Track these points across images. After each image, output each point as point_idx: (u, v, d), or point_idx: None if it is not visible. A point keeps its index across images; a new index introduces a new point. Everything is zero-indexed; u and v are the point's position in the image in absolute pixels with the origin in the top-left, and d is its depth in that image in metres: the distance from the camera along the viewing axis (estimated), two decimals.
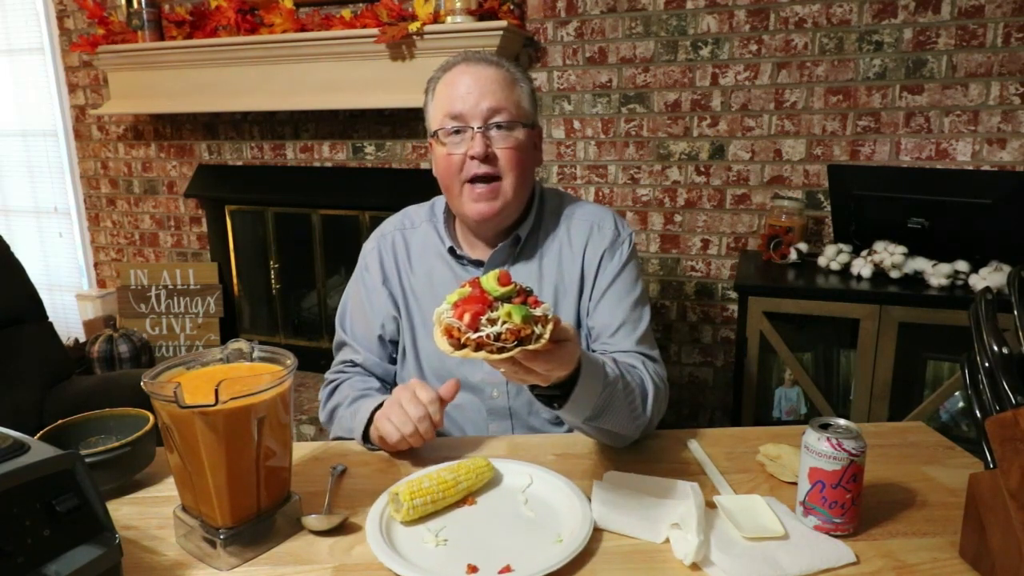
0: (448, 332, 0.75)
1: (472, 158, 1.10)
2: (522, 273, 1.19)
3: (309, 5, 2.72)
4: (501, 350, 0.72)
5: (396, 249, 1.24)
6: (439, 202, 1.26)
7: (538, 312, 0.74)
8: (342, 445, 1.10)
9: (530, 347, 0.72)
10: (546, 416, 1.19)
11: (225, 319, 3.22)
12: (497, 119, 1.10)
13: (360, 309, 1.25)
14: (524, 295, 0.76)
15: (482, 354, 0.72)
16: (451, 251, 1.20)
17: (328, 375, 1.26)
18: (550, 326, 0.75)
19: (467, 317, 0.73)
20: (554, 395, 0.88)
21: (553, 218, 1.23)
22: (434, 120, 1.15)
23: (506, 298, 0.75)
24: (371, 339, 1.23)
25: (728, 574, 0.75)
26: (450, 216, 1.23)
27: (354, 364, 1.25)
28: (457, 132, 1.11)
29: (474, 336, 0.72)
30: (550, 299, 1.19)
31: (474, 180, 1.11)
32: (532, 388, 0.89)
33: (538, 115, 1.21)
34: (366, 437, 1.06)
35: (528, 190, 1.19)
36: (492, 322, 0.73)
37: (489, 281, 0.76)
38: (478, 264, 1.19)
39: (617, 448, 1.05)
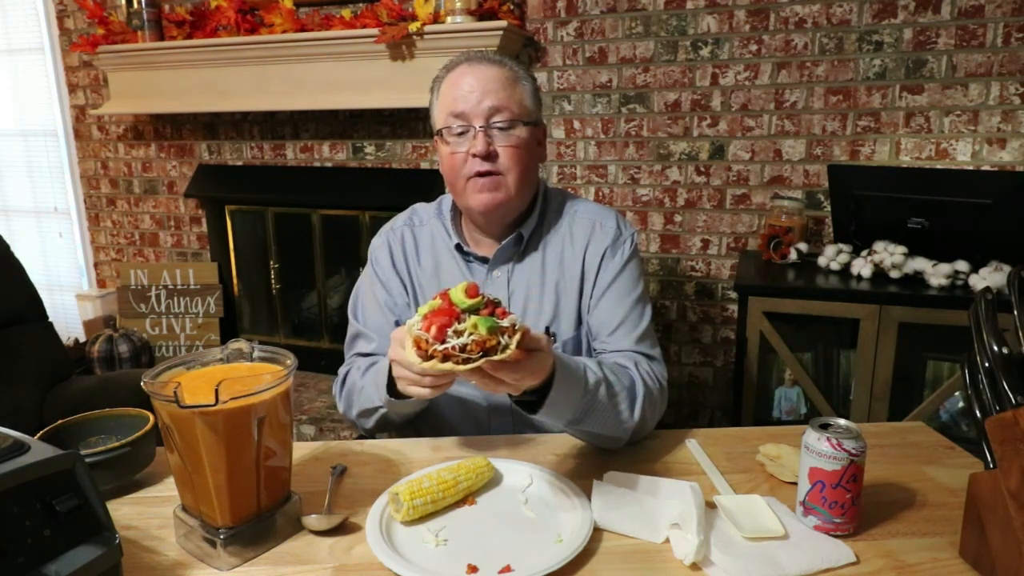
0: (417, 344, 0.77)
1: (474, 156, 1.11)
2: (525, 270, 1.20)
3: (309, 5, 2.72)
4: (467, 361, 0.74)
5: (405, 242, 1.26)
6: (446, 200, 1.27)
7: (505, 323, 0.76)
8: (342, 445, 1.10)
9: (495, 357, 0.74)
10: None
11: (225, 319, 3.22)
12: (498, 118, 1.12)
13: (373, 298, 1.24)
14: (492, 307, 0.78)
15: (448, 365, 0.74)
16: (458, 247, 1.21)
17: (341, 369, 1.25)
18: (516, 336, 0.76)
19: (434, 329, 0.75)
20: (531, 401, 0.89)
21: (556, 216, 1.24)
22: (438, 119, 1.17)
23: (473, 310, 0.77)
24: (387, 325, 1.22)
25: (728, 574, 0.75)
26: (457, 213, 1.25)
27: (367, 355, 1.23)
28: (461, 133, 1.12)
29: (440, 348, 0.74)
30: (551, 296, 1.20)
31: (477, 176, 1.13)
32: (510, 395, 0.89)
33: (541, 112, 1.22)
34: (393, 392, 1.01)
35: (532, 186, 1.20)
36: (459, 334, 0.74)
37: (457, 293, 0.78)
38: (484, 260, 1.21)
39: (616, 448, 1.05)
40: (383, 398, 1.03)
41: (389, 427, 1.17)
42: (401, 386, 0.91)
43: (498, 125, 1.11)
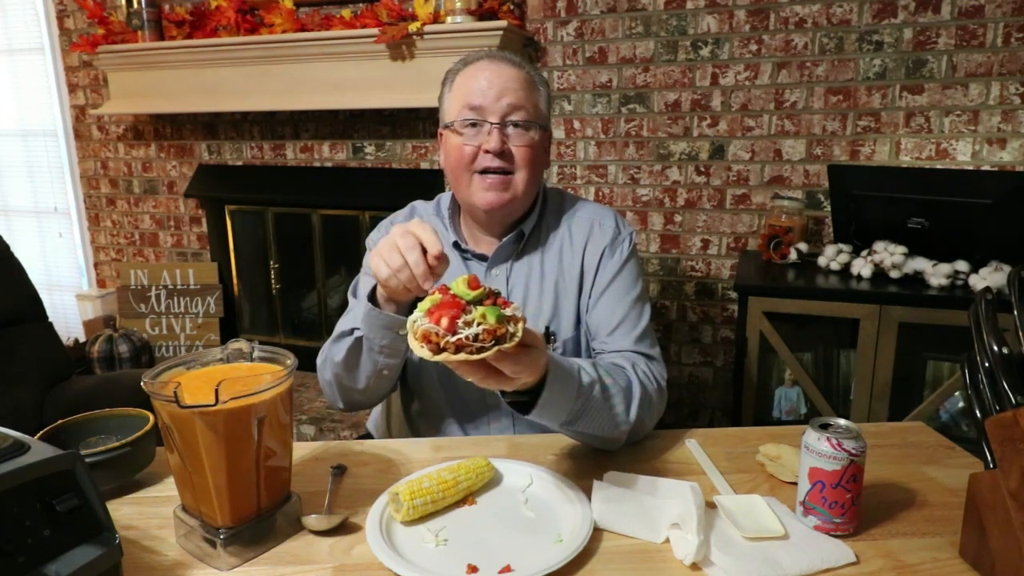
0: (426, 338, 0.76)
1: (487, 152, 1.11)
2: (524, 269, 1.21)
3: (309, 5, 2.72)
4: (480, 351, 0.74)
5: None
6: (444, 198, 1.27)
7: (509, 312, 0.77)
8: (342, 445, 1.09)
9: (506, 345, 0.75)
10: None
11: (225, 319, 3.22)
12: (515, 117, 1.12)
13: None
14: (494, 297, 0.78)
15: (462, 356, 0.74)
16: (455, 245, 1.21)
17: None
18: (521, 324, 0.77)
19: (445, 321, 0.75)
20: (524, 401, 0.89)
21: (555, 216, 1.24)
22: (450, 110, 1.16)
23: (478, 301, 0.77)
24: None
25: (728, 574, 0.75)
26: (455, 211, 1.25)
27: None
28: (474, 125, 1.12)
29: (453, 339, 0.74)
30: (550, 296, 1.20)
31: (485, 172, 1.12)
32: (504, 395, 0.89)
33: (550, 120, 1.22)
34: (373, 300, 1.01)
35: (536, 189, 1.21)
36: (468, 324, 0.75)
37: (460, 286, 0.78)
38: (482, 258, 1.21)
39: (614, 449, 1.05)
40: (363, 312, 1.01)
41: (355, 371, 1.10)
42: (374, 268, 0.93)
43: (513, 122, 1.11)
